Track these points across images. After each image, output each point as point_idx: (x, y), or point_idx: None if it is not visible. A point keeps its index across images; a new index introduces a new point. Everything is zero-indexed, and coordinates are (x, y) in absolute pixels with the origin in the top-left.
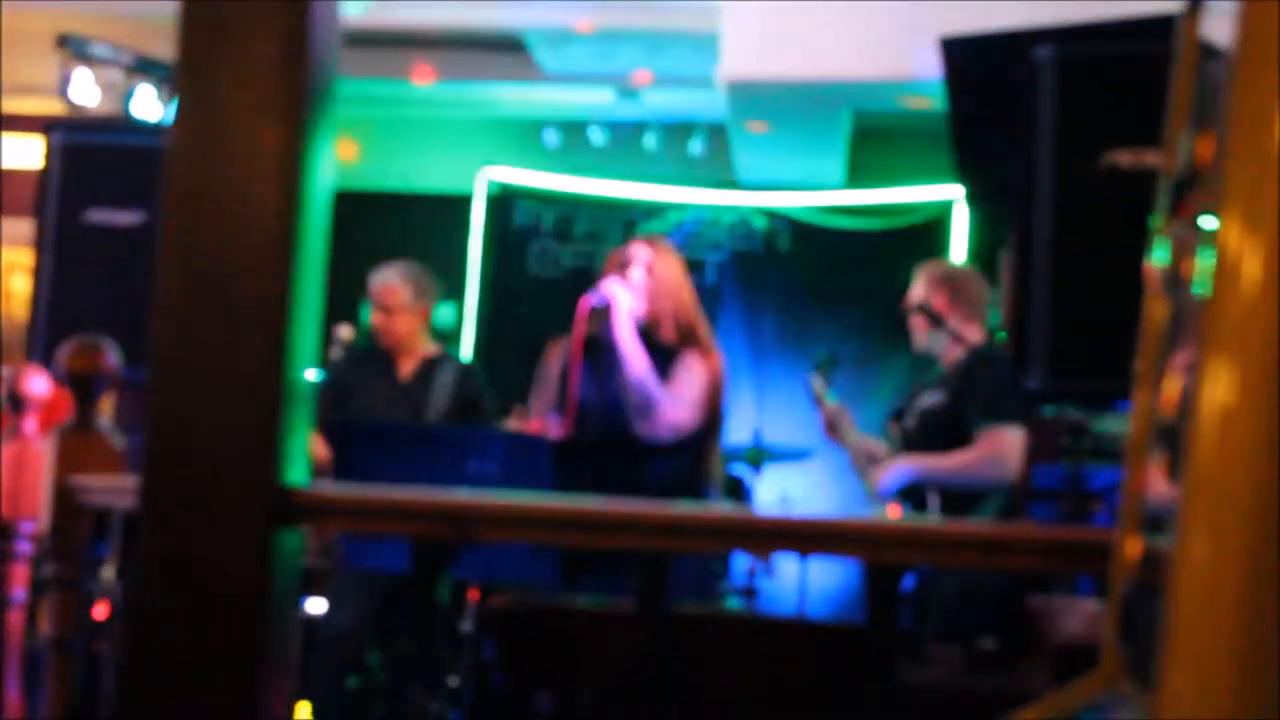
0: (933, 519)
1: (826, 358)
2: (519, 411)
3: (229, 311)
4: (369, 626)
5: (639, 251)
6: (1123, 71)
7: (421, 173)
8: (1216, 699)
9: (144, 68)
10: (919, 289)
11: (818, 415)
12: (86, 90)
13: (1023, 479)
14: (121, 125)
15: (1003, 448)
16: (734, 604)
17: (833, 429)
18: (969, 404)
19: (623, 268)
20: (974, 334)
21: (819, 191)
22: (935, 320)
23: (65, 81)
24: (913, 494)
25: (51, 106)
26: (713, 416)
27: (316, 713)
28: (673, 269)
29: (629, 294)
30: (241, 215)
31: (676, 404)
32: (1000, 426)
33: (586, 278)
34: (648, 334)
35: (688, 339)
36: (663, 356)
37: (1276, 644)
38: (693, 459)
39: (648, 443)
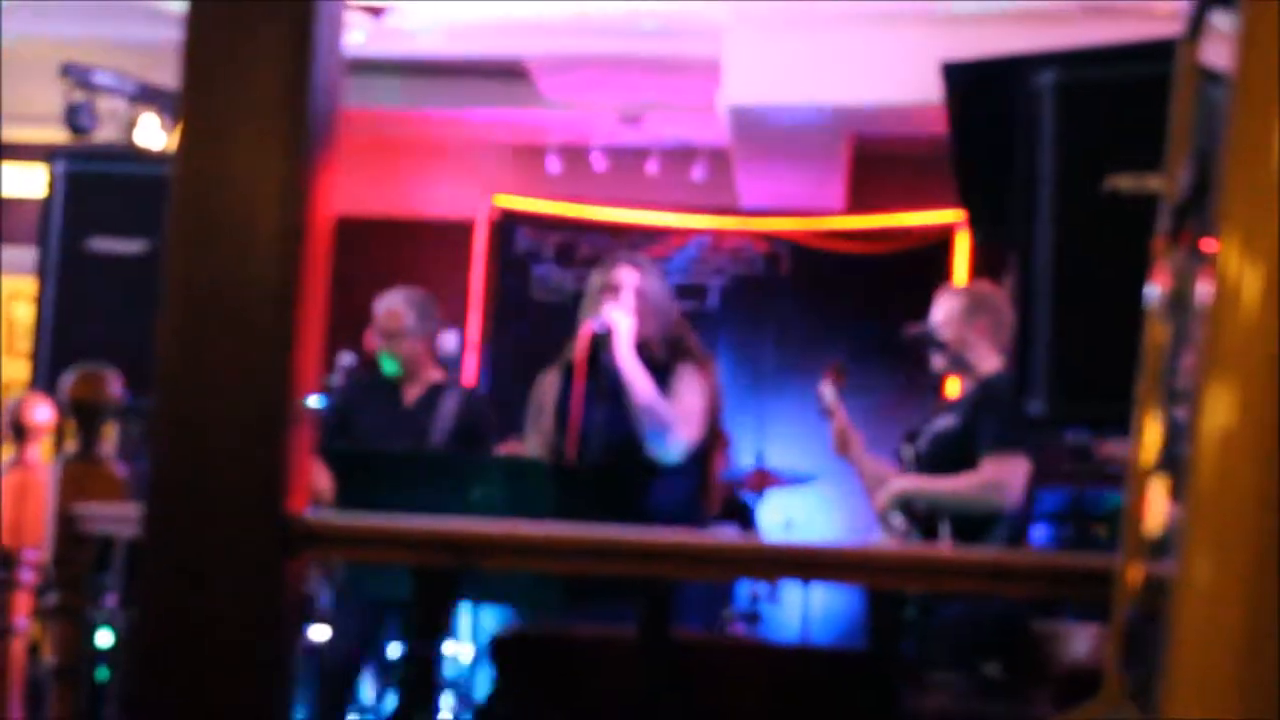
0: (940, 546)
1: (840, 364)
2: (512, 441)
3: (233, 340)
4: (367, 653)
5: (627, 275)
6: (1124, 96)
7: (424, 199)
8: None
9: (148, 96)
10: (939, 313)
11: (828, 429)
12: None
13: (1026, 504)
14: (125, 153)
15: (1005, 476)
16: (737, 629)
17: (843, 445)
18: (978, 429)
19: (615, 293)
20: (990, 359)
21: (821, 216)
22: (940, 348)
23: (69, 110)
24: (925, 521)
25: (55, 135)
26: (714, 427)
27: None
28: (656, 286)
29: (628, 319)
30: (245, 243)
31: (686, 422)
32: (1006, 454)
33: None
34: (641, 354)
35: (678, 351)
36: (657, 373)
37: (1279, 668)
38: (696, 481)
39: (654, 465)
